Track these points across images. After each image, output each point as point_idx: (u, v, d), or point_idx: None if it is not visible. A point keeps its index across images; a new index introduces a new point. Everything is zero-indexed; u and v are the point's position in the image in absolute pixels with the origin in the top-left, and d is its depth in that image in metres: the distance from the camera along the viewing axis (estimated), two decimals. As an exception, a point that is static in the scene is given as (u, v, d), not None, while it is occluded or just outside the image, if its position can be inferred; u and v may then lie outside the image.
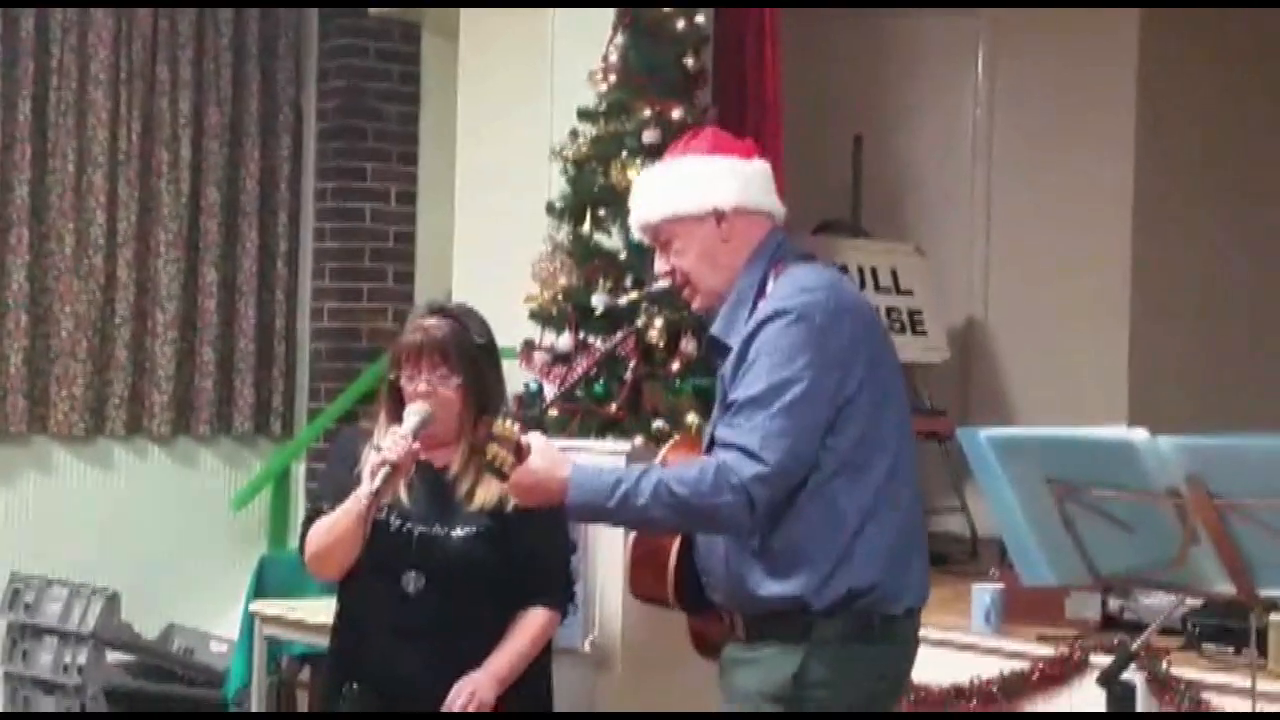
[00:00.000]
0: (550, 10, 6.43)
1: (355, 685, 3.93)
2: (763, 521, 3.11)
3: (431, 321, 3.92)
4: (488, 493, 3.84)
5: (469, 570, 3.86)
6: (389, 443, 3.74)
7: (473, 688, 3.85)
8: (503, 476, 3.19)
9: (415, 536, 3.87)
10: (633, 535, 3.40)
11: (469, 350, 3.90)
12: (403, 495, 3.85)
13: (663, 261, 3.36)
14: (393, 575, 3.87)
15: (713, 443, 3.21)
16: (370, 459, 3.76)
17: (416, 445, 3.76)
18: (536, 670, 4.01)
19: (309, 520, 3.94)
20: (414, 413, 3.80)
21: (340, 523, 3.83)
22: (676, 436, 3.54)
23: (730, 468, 3.06)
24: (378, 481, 3.68)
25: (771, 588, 3.15)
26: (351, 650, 3.97)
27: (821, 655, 3.14)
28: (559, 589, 4.01)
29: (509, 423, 3.17)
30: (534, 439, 3.19)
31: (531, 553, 3.77)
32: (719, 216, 3.28)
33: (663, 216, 3.32)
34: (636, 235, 3.49)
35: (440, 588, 3.85)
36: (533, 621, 3.97)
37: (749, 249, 3.29)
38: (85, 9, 7.44)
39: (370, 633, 3.91)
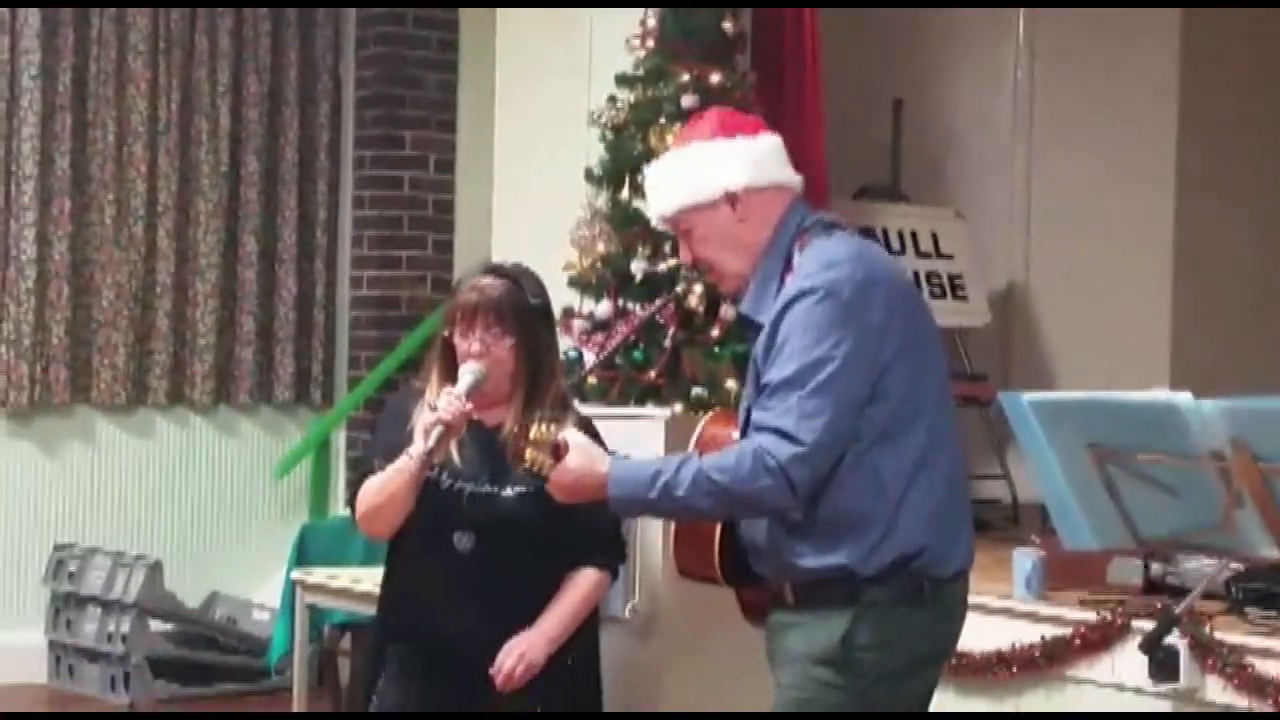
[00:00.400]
0: (588, -24, 6.41)
1: (402, 646, 3.95)
2: (806, 499, 3.10)
3: (487, 281, 3.92)
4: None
5: (519, 529, 3.87)
6: (443, 402, 3.75)
7: (524, 647, 3.88)
8: (544, 480, 3.21)
9: (466, 495, 3.89)
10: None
11: (523, 311, 3.90)
12: (454, 454, 3.85)
13: (685, 251, 3.35)
14: (444, 534, 3.88)
15: (748, 422, 3.20)
16: (423, 418, 3.77)
17: (469, 405, 3.76)
18: (586, 633, 4.03)
19: (361, 478, 3.94)
20: (468, 372, 3.82)
21: (392, 481, 3.83)
22: (716, 409, 3.51)
23: (767, 450, 3.05)
24: (431, 441, 3.70)
25: (818, 560, 3.13)
26: (400, 610, 3.99)
27: (870, 618, 3.13)
28: (609, 550, 4.02)
29: (545, 426, 3.18)
30: (571, 436, 3.20)
31: (582, 514, 3.78)
32: (732, 199, 3.25)
33: (676, 208, 3.30)
34: (657, 226, 3.48)
35: (491, 547, 3.87)
36: (583, 582, 3.99)
37: (769, 226, 3.27)
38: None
39: (420, 592, 3.93)
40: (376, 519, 3.89)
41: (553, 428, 3.18)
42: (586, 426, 3.83)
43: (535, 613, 3.92)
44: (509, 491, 3.88)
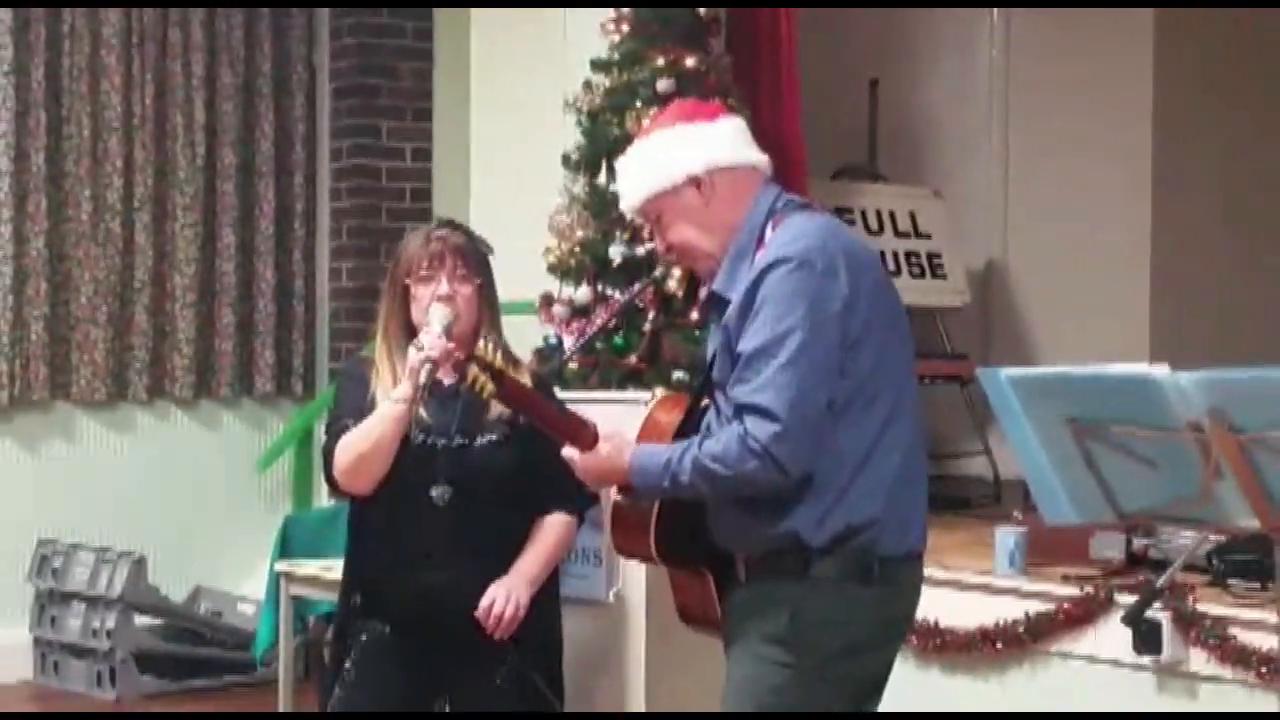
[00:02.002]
0: (561, -38, 6.40)
1: (376, 625, 3.98)
2: (806, 467, 3.12)
3: (444, 231, 4.03)
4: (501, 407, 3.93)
5: (496, 477, 3.94)
6: (427, 341, 3.80)
7: (507, 590, 3.92)
8: (483, 400, 3.32)
9: (440, 449, 3.93)
10: (615, 497, 3.42)
11: (482, 256, 4.03)
12: (422, 412, 3.89)
13: (660, 240, 3.40)
14: (420, 490, 3.91)
15: (711, 390, 3.24)
16: (411, 360, 3.81)
17: (452, 344, 3.82)
18: (550, 583, 4.08)
19: (335, 438, 3.95)
20: (440, 314, 3.87)
21: (375, 429, 3.85)
22: (662, 395, 3.57)
23: (750, 433, 3.10)
24: (423, 378, 3.76)
25: (772, 526, 3.18)
26: (377, 572, 3.99)
27: (819, 594, 3.17)
28: (575, 493, 4.00)
29: (489, 347, 3.26)
30: (600, 426, 3.30)
31: (547, 458, 3.80)
32: (695, 181, 3.30)
33: (642, 197, 3.35)
34: (631, 218, 3.52)
35: (468, 498, 3.92)
36: (555, 525, 4.06)
37: (738, 206, 3.31)
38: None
39: (397, 550, 3.94)
40: (360, 470, 3.89)
41: (497, 352, 3.26)
42: (540, 383, 3.89)
43: (510, 560, 3.98)
44: (480, 441, 3.94)
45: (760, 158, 3.38)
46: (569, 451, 3.33)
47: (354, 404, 3.96)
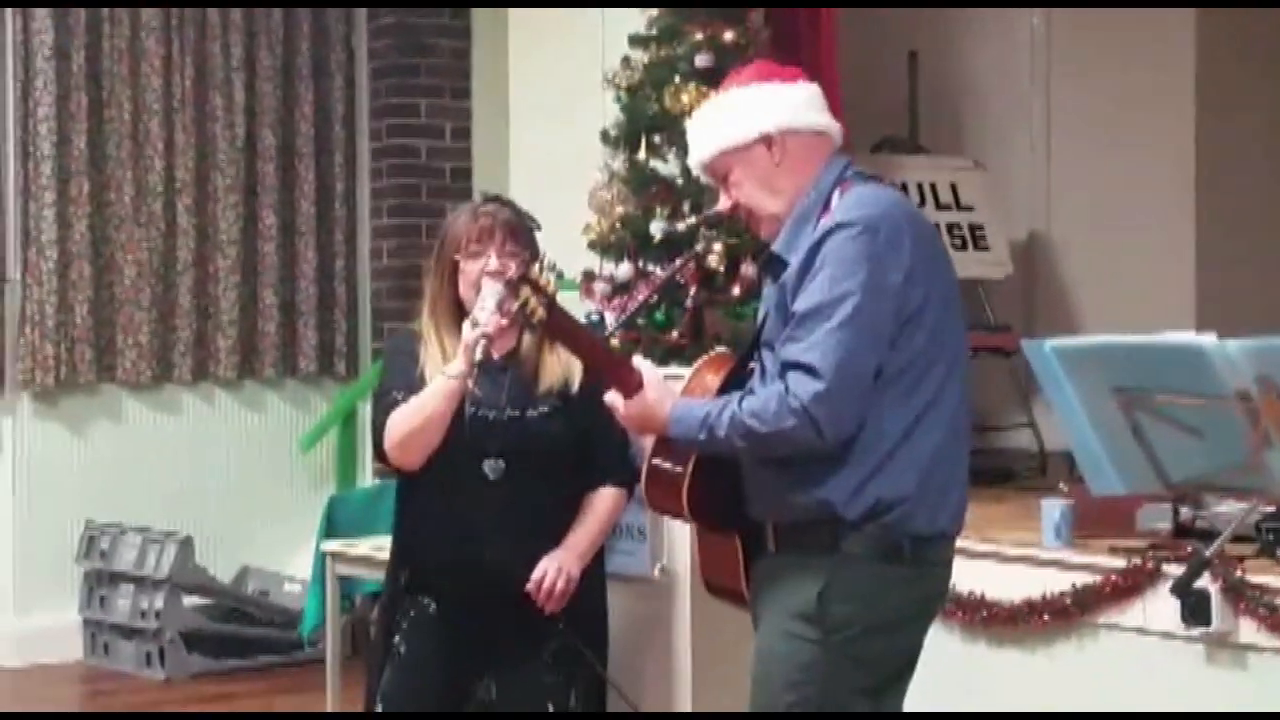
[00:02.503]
0: (598, -63, 6.38)
1: (424, 601, 3.98)
2: (844, 433, 3.10)
3: (491, 206, 4.02)
4: (553, 375, 3.95)
5: (549, 448, 3.93)
6: (483, 318, 3.78)
7: (558, 563, 3.92)
8: (531, 325, 3.28)
9: (492, 421, 3.93)
10: (647, 460, 3.40)
11: (529, 231, 4.02)
12: (473, 387, 3.88)
13: (725, 197, 3.38)
14: (474, 462, 3.91)
15: (759, 348, 3.23)
16: (466, 336, 3.78)
17: (505, 320, 3.79)
18: (594, 560, 4.06)
19: (386, 411, 3.93)
20: (491, 292, 3.83)
21: (429, 404, 3.84)
22: (711, 354, 3.54)
23: (792, 391, 3.07)
24: (478, 354, 3.73)
25: (806, 494, 3.16)
26: (427, 546, 3.99)
27: (847, 571, 3.15)
28: (625, 467, 4.03)
29: (546, 274, 3.23)
30: (644, 367, 3.27)
31: (600, 430, 3.80)
32: (768, 141, 3.27)
33: (713, 151, 3.32)
34: (699, 176, 3.49)
35: (521, 470, 3.91)
36: (606, 499, 4.05)
37: (807, 170, 3.29)
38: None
39: (448, 525, 3.93)
40: (412, 445, 3.87)
41: (553, 279, 3.22)
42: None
43: (560, 534, 3.97)
44: (533, 413, 3.94)
45: (833, 125, 3.36)
46: (612, 397, 3.28)
47: (404, 377, 3.96)
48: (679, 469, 3.30)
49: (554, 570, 3.91)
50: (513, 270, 3.53)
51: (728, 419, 3.13)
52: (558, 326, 3.28)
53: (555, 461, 3.95)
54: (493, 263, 3.91)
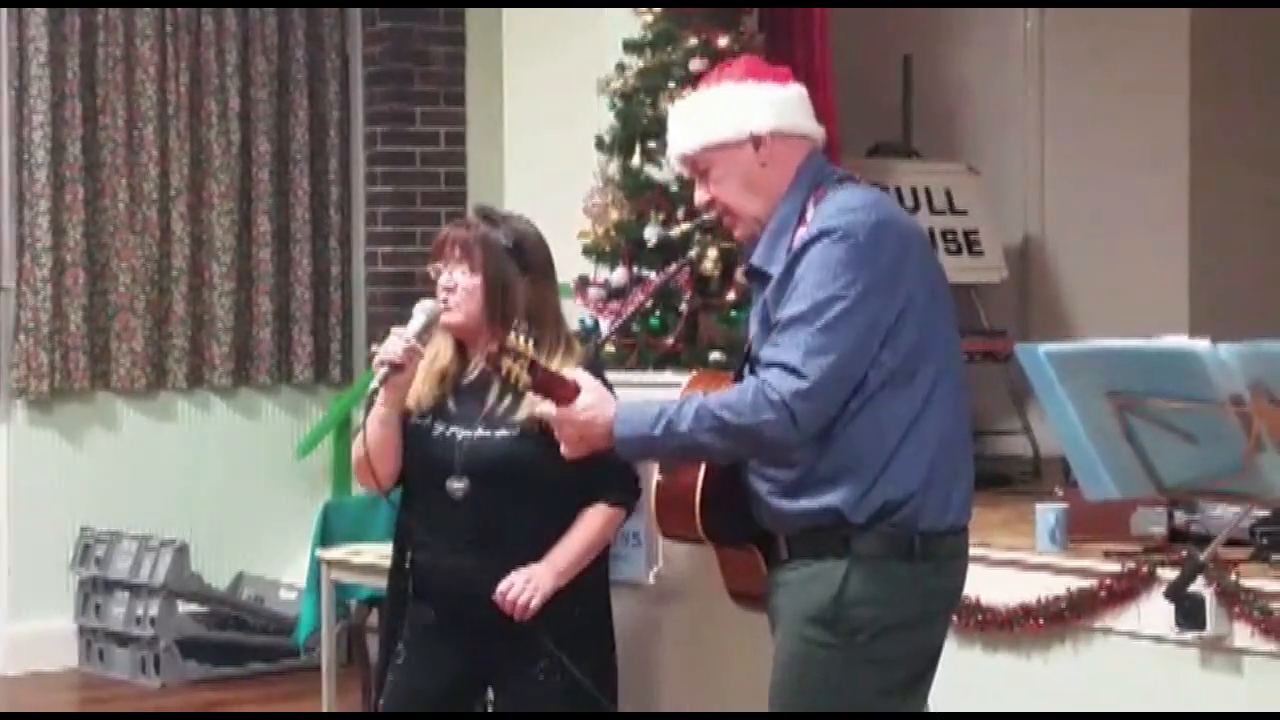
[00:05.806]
0: (592, -57, 6.38)
1: (419, 604, 3.98)
2: (810, 439, 3.09)
3: (468, 218, 4.02)
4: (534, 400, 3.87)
5: (512, 470, 3.85)
6: (389, 343, 3.80)
7: (526, 576, 3.86)
8: (518, 392, 3.25)
9: (458, 441, 3.90)
10: (655, 479, 3.38)
11: (493, 249, 3.91)
12: (449, 403, 3.88)
13: (702, 191, 3.33)
14: (439, 482, 3.89)
15: (754, 364, 3.20)
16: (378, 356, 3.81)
17: (418, 344, 3.79)
18: (595, 585, 4.01)
19: (356, 433, 3.98)
20: (421, 311, 3.85)
21: (368, 429, 3.86)
22: (699, 371, 3.51)
23: (770, 385, 3.05)
24: (375, 381, 3.75)
25: (812, 502, 3.15)
26: (409, 565, 4.00)
27: (861, 572, 3.14)
28: (620, 484, 3.98)
29: (521, 338, 3.13)
30: (581, 377, 3.20)
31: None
32: (756, 141, 3.25)
33: (700, 145, 3.28)
34: (675, 167, 3.46)
35: (485, 491, 3.86)
36: (593, 518, 3.96)
37: (789, 174, 3.26)
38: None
39: (424, 541, 3.94)
40: (359, 470, 3.90)
41: (529, 341, 3.13)
42: (592, 369, 3.83)
43: (537, 556, 3.90)
44: (502, 433, 3.87)
45: (818, 130, 3.33)
46: (545, 408, 3.19)
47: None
48: (688, 488, 3.28)
49: (521, 582, 3.85)
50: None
51: (692, 412, 3.08)
52: (543, 385, 3.18)
53: (530, 481, 3.85)
54: (443, 279, 3.89)
